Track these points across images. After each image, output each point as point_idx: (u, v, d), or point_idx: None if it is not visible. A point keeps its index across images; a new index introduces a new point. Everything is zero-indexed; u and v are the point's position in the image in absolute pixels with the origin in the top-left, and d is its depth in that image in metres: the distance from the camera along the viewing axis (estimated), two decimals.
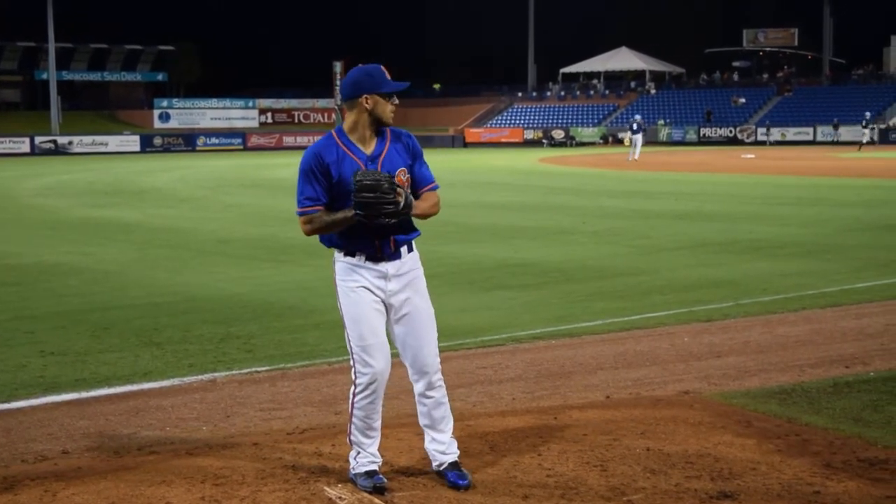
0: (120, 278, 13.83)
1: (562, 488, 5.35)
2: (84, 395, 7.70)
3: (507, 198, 28.05)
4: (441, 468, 5.51)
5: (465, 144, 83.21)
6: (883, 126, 73.06)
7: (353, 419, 5.47)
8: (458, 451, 5.57)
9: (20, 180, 40.17)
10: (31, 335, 9.96)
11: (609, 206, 24.22)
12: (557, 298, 11.84)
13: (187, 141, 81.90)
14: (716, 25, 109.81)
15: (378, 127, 5.37)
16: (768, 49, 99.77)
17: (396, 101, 5.38)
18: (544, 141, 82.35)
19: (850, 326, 9.97)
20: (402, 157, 5.40)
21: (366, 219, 5.14)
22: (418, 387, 5.55)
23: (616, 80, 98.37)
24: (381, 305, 5.39)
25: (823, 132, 73.74)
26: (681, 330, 9.92)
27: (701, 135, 79.11)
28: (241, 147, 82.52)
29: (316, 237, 5.55)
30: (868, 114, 65.54)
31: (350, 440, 5.51)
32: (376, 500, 5.20)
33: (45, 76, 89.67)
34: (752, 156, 50.97)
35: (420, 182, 5.46)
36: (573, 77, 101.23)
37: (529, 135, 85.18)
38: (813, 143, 72.83)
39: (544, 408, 7.05)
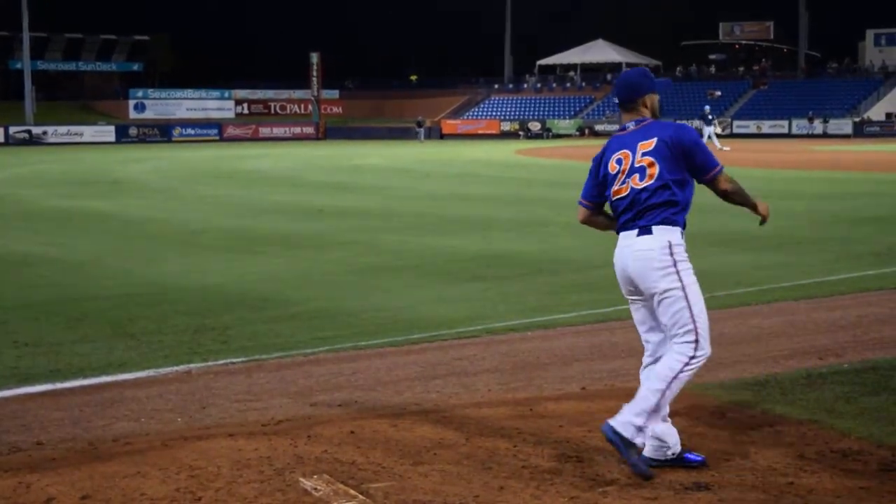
0: (93, 269, 13.76)
1: (537, 479, 5.36)
2: (58, 386, 7.65)
3: (483, 190, 28.05)
4: (676, 454, 5.54)
5: (442, 136, 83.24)
6: (857, 119, 73.54)
7: (673, 386, 5.43)
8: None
9: None
10: (3, 325, 9.90)
11: None
12: (533, 290, 11.86)
13: (163, 131, 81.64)
14: (692, 18, 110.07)
15: None
16: (744, 42, 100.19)
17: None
18: (521, 133, 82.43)
19: (823, 318, 10.03)
20: None
21: None
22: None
23: (593, 72, 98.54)
24: None
25: (798, 125, 74.13)
26: None
27: None
28: (217, 138, 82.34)
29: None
30: (707, 107, 55.90)
31: (657, 405, 5.41)
32: (351, 491, 5.19)
33: (19, 66, 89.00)
34: (728, 148, 51.09)
35: None
36: (550, 69, 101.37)
37: (506, 126, 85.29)
38: (788, 136, 73.16)
39: (520, 399, 7.06)
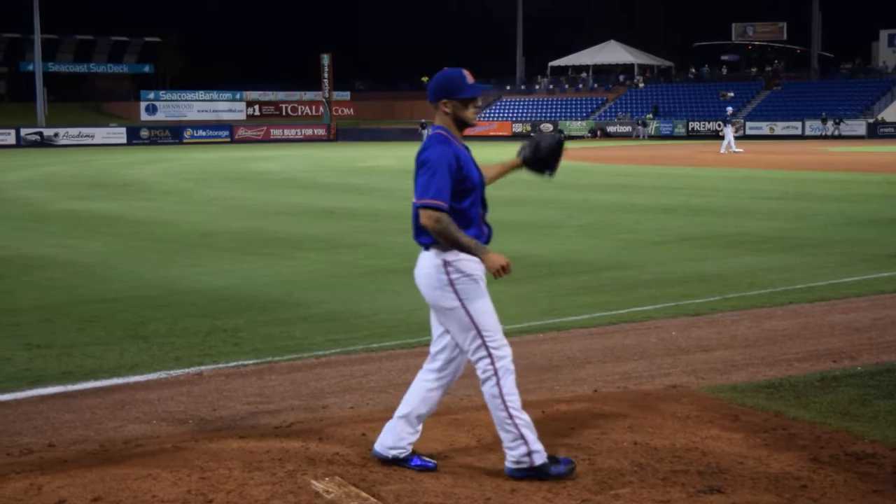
0: (105, 271, 13.78)
1: (549, 482, 5.34)
2: (70, 388, 7.66)
3: (494, 191, 27.93)
4: (403, 455, 5.59)
5: None
6: (871, 120, 73.31)
7: (511, 407, 5.40)
8: None
9: (4, 172, 40.05)
10: (15, 328, 9.91)
11: (596, 200, 24.24)
12: (544, 292, 11.83)
13: (174, 133, 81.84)
14: (704, 19, 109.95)
15: (462, 129, 5.50)
16: (757, 43, 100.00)
17: (479, 104, 5.54)
18: (533, 134, 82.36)
19: (837, 321, 9.98)
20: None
21: (548, 167, 5.72)
22: (448, 373, 5.67)
23: (605, 73, 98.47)
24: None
25: (812, 126, 73.94)
26: (668, 324, 9.92)
27: (689, 129, 79.21)
28: (228, 139, 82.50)
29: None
30: (730, 109, 56.88)
31: (519, 431, 5.39)
32: (363, 494, 5.18)
33: (30, 68, 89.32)
34: (741, 150, 50.99)
35: None
36: (562, 70, 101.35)
37: (518, 128, 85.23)
38: (802, 137, 72.96)
39: (532, 401, 7.02)
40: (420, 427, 5.62)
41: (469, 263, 5.39)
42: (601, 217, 20.33)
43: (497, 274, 5.28)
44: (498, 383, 5.39)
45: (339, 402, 7.16)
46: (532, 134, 5.46)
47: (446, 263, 5.37)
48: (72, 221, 20.87)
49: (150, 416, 6.83)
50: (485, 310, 5.42)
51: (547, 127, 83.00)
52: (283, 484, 5.34)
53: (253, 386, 7.66)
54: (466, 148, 5.48)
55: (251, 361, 8.45)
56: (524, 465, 5.39)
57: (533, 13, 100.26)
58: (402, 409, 5.64)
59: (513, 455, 5.40)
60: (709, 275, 12.89)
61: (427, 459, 5.60)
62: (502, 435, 5.44)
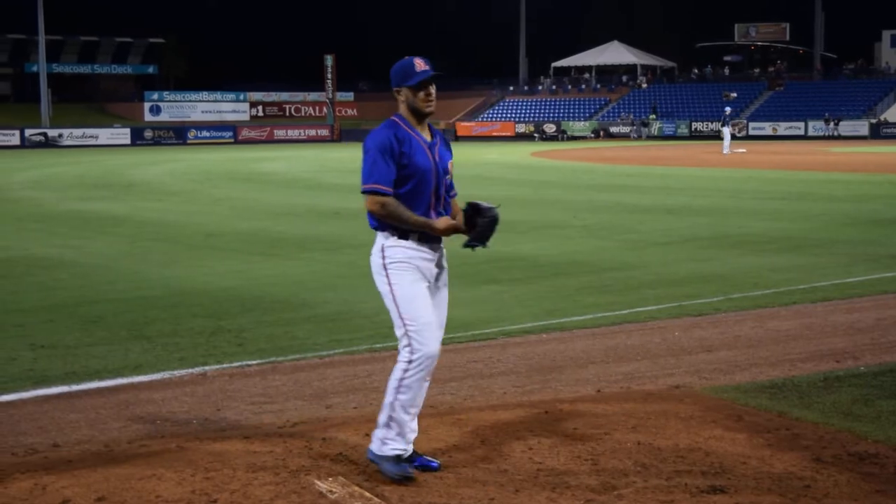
0: (109, 272, 13.79)
1: (552, 482, 5.35)
2: (74, 388, 7.67)
3: (498, 192, 28.02)
4: (412, 455, 5.58)
5: (457, 138, 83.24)
6: (874, 121, 73.26)
7: (400, 396, 5.46)
8: None
9: (9, 173, 40.08)
10: (20, 328, 9.93)
11: (599, 201, 24.24)
12: (548, 292, 11.84)
13: (178, 134, 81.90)
14: (707, 20, 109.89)
15: (420, 117, 5.53)
16: (759, 44, 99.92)
17: (432, 91, 5.52)
18: (536, 135, 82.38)
19: (840, 321, 9.98)
20: (447, 151, 5.68)
21: (480, 242, 5.51)
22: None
23: (607, 74, 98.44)
24: (428, 286, 5.53)
25: (815, 127, 73.88)
26: (671, 324, 9.92)
27: (692, 129, 79.17)
28: (232, 140, 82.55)
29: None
30: (728, 109, 55.26)
31: (389, 418, 5.47)
32: (366, 494, 5.19)
33: (35, 69, 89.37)
34: (744, 150, 50.98)
35: (449, 187, 5.72)
36: (565, 71, 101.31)
37: (521, 129, 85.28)
38: (805, 137, 72.92)
39: (535, 402, 7.05)
40: (415, 425, 5.61)
41: (405, 250, 5.45)
42: (605, 217, 20.33)
43: (446, 232, 5.43)
44: (405, 372, 5.45)
45: (343, 402, 7.17)
46: (467, 210, 5.40)
47: (383, 248, 5.48)
48: (77, 222, 20.89)
49: (154, 417, 6.85)
50: (411, 299, 5.44)
51: (550, 128, 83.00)
52: (287, 484, 5.36)
53: (257, 386, 7.68)
54: (434, 135, 5.57)
55: (255, 362, 8.47)
56: (375, 450, 5.49)
57: (536, 14, 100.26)
58: None
59: (375, 437, 5.52)
60: (712, 275, 12.89)
61: (430, 459, 5.61)
62: (378, 417, 5.53)
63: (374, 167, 5.36)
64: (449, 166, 5.64)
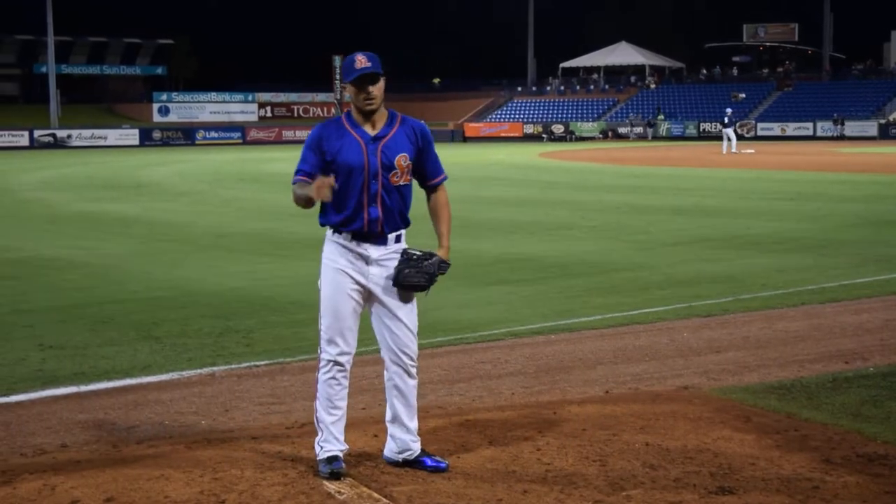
0: (118, 272, 13.82)
1: (561, 483, 5.35)
2: (83, 388, 7.69)
3: (506, 192, 28.03)
4: (413, 456, 5.59)
5: (465, 139, 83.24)
6: (882, 121, 73.08)
7: (317, 396, 5.59)
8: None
9: (19, 174, 40.16)
10: (29, 329, 9.95)
11: (608, 201, 24.22)
12: (556, 293, 11.84)
13: (186, 135, 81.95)
14: (715, 20, 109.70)
15: (366, 113, 5.47)
16: (768, 44, 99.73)
17: (370, 90, 5.42)
18: (544, 135, 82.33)
19: (849, 322, 9.97)
20: (406, 144, 5.52)
21: (419, 286, 5.50)
22: (393, 374, 5.63)
23: (616, 74, 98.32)
24: (359, 288, 5.50)
25: (823, 127, 73.74)
26: (680, 325, 9.91)
27: (700, 130, 79.06)
28: (241, 141, 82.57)
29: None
30: (729, 110, 55.71)
31: (315, 419, 5.61)
32: (374, 495, 5.20)
33: (44, 70, 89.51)
34: (752, 151, 50.90)
35: (430, 174, 5.64)
36: (573, 72, 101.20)
37: (529, 129, 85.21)
38: (813, 138, 72.77)
39: (543, 403, 7.04)
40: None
41: (334, 246, 5.50)
42: (613, 218, 20.32)
43: (320, 193, 5.21)
44: (317, 372, 5.60)
45: (351, 403, 7.11)
46: (406, 261, 5.45)
47: (325, 241, 5.57)
48: (86, 223, 20.93)
49: (162, 417, 6.86)
50: (325, 298, 5.52)
51: (559, 128, 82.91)
52: (296, 485, 5.36)
53: (265, 387, 7.69)
54: (389, 128, 5.50)
55: (263, 362, 8.48)
56: (316, 453, 5.56)
57: (544, 14, 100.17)
58: (387, 415, 5.69)
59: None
60: (721, 276, 12.88)
61: (439, 460, 5.62)
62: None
63: (301, 159, 5.50)
64: (399, 161, 5.46)
